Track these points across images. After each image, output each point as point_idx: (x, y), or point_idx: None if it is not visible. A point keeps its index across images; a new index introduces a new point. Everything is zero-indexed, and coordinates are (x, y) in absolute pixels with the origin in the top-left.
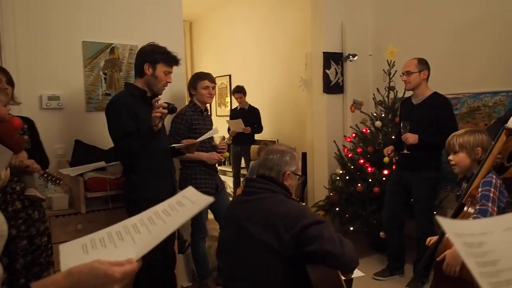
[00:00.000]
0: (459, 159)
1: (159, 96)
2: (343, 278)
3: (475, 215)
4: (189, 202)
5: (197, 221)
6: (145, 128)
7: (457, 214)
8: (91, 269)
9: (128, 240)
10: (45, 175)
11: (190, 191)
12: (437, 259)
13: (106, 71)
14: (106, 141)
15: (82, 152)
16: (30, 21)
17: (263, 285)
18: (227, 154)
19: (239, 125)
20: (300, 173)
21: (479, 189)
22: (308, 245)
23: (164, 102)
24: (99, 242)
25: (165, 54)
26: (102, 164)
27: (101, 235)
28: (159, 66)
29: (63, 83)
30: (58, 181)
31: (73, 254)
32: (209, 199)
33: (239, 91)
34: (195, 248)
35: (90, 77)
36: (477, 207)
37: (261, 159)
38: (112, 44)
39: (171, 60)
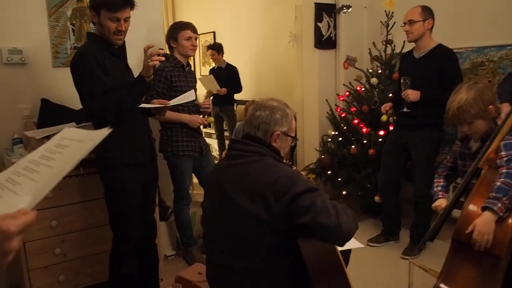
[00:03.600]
0: (477, 128)
1: (152, 43)
2: (339, 249)
3: (503, 179)
4: (74, 142)
5: (180, 186)
6: (138, 80)
7: (471, 178)
8: None
9: (7, 196)
10: None
11: (68, 131)
12: (466, 231)
13: (74, 22)
14: (76, 100)
15: (50, 112)
16: None
17: (251, 258)
18: (211, 119)
19: (212, 83)
20: (293, 135)
21: (503, 153)
22: (299, 216)
23: (160, 49)
24: None
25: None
26: (72, 125)
27: None
28: (102, 13)
29: (25, 35)
30: None
31: None
32: (102, 132)
33: (212, 47)
34: (179, 215)
35: (56, 28)
36: (504, 170)
37: (247, 116)
38: None
39: (115, 4)
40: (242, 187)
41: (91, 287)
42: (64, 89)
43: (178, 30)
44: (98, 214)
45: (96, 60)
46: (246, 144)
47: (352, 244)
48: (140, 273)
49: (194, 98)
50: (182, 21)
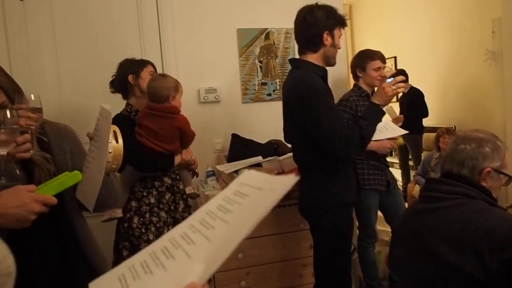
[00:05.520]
0: None
1: (388, 69)
2: None
3: None
4: (253, 190)
5: (366, 223)
6: (375, 108)
7: None
8: None
9: (180, 257)
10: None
11: (247, 175)
12: None
13: (261, 59)
14: (262, 134)
15: (239, 146)
16: (186, 13)
17: None
18: (401, 140)
19: (391, 112)
20: (506, 172)
21: None
22: None
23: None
24: (141, 269)
25: (339, 17)
26: (258, 159)
27: (142, 258)
28: (336, 32)
29: (219, 75)
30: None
31: None
32: (291, 179)
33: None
34: (363, 254)
35: (245, 66)
36: None
37: (448, 150)
38: (266, 29)
39: (344, 21)
40: (445, 236)
41: None
42: (252, 123)
43: (367, 60)
44: (281, 249)
45: (324, 91)
46: (448, 184)
47: None
48: None
49: (399, 134)
50: (370, 49)
